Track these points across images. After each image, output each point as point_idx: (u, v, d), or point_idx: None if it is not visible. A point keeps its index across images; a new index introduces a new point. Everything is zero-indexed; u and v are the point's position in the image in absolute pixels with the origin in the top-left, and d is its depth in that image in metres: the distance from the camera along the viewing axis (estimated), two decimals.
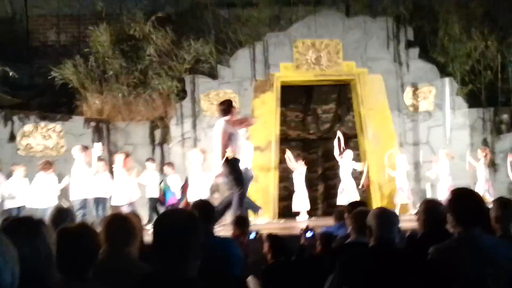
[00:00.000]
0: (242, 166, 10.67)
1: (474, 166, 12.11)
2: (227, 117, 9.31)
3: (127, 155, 11.30)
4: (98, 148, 10.63)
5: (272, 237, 5.75)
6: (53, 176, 10.92)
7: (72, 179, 10.58)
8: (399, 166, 12.21)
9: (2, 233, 1.86)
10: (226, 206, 9.35)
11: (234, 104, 9.96)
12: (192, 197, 10.79)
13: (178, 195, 11.73)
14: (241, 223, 6.46)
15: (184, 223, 2.64)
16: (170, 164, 12.11)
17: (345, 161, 12.07)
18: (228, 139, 9.14)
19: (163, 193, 11.86)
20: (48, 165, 10.85)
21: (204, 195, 10.93)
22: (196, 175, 11.21)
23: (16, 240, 1.93)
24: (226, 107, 9.55)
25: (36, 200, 10.66)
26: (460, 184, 10.56)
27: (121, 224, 3.55)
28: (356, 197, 11.46)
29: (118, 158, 11.16)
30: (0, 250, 1.72)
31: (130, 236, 3.52)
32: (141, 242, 4.46)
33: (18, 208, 10.85)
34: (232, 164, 9.17)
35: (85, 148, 10.73)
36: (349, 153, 12.13)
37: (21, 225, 2.47)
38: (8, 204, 10.89)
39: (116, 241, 3.43)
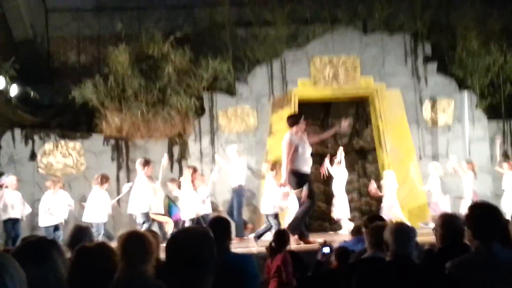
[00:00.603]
0: (236, 183, 10.76)
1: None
2: (293, 129, 9.35)
3: (195, 170, 11.36)
4: (165, 160, 11.10)
5: (288, 253, 5.75)
6: (104, 191, 11.03)
7: (134, 192, 10.67)
8: (431, 179, 12.18)
9: (12, 256, 1.87)
10: (302, 218, 9.35)
11: (302, 116, 10.03)
12: (185, 214, 10.93)
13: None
14: (281, 239, 6.43)
15: (198, 241, 2.64)
16: (174, 180, 11.91)
17: (340, 175, 12.08)
18: (295, 151, 9.18)
19: (168, 208, 11.75)
20: (104, 179, 10.95)
21: (195, 212, 10.93)
22: (186, 192, 11.16)
23: (26, 264, 1.95)
24: (294, 119, 9.69)
25: (90, 214, 10.76)
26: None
27: (138, 242, 3.55)
28: (347, 210, 11.68)
29: (186, 173, 11.28)
30: (9, 272, 1.73)
31: (146, 254, 3.51)
32: (157, 260, 4.47)
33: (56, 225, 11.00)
34: (300, 177, 9.22)
35: (147, 162, 10.81)
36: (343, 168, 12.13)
37: (32, 249, 2.47)
38: (45, 221, 10.99)
39: (132, 259, 3.42)
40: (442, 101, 13.36)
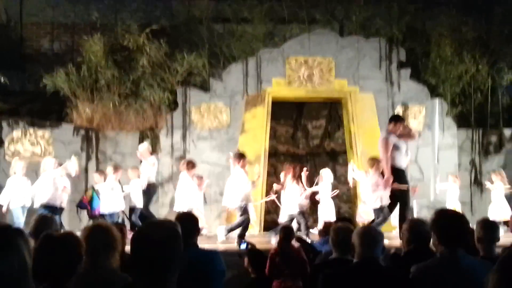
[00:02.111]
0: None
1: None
2: (390, 128, 9.66)
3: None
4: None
5: (251, 252, 5.75)
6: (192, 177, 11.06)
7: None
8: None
9: None
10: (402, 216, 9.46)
11: (402, 118, 10.40)
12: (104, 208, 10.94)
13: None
14: (287, 232, 6.45)
15: (164, 235, 2.62)
16: (101, 171, 11.62)
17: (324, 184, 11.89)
18: (393, 149, 9.43)
19: (90, 199, 11.22)
20: (190, 164, 10.95)
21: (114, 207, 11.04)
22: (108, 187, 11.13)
23: None
24: (393, 119, 10.00)
25: (181, 203, 10.76)
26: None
27: (101, 235, 3.52)
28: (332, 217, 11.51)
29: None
30: None
31: (109, 247, 3.48)
32: (123, 252, 4.44)
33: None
34: (400, 173, 9.51)
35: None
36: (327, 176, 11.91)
37: None
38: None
39: (94, 252, 3.39)
40: (414, 107, 13.49)
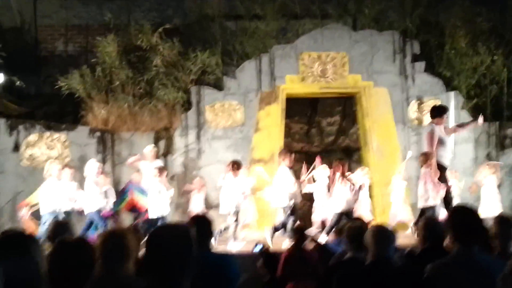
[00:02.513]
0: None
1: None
2: (436, 121, 9.41)
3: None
4: None
5: (265, 254, 5.76)
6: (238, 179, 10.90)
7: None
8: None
9: None
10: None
11: (447, 109, 10.12)
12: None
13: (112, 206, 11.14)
14: (300, 234, 6.46)
15: (177, 238, 2.64)
16: (106, 173, 11.57)
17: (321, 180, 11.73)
18: (439, 143, 9.22)
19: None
20: (236, 165, 10.79)
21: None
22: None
23: (4, 257, 1.94)
24: (438, 110, 9.71)
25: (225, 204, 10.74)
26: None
27: (115, 241, 3.54)
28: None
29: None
30: None
31: (125, 254, 3.50)
32: (138, 257, 4.45)
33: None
34: (442, 169, 9.34)
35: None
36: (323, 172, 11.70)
37: (9, 242, 2.46)
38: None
39: (110, 259, 3.42)
40: (429, 101, 13.36)
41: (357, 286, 3.76)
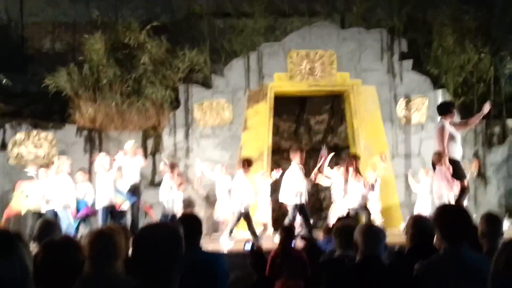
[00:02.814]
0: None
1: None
2: (446, 117, 9.39)
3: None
4: None
5: (253, 253, 5.76)
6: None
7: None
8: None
9: None
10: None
11: (454, 105, 10.21)
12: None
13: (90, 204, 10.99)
14: (288, 232, 6.45)
15: (164, 237, 2.63)
16: (83, 170, 11.36)
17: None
18: (450, 139, 9.20)
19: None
20: (246, 163, 10.78)
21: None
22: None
23: None
24: (447, 106, 9.68)
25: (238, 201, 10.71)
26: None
27: (104, 241, 3.53)
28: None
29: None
30: None
31: (113, 253, 3.49)
32: (127, 256, 4.43)
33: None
34: (456, 164, 9.33)
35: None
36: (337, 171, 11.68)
37: None
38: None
39: (98, 258, 3.40)
40: (417, 99, 13.41)
41: (347, 284, 3.76)
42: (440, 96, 13.08)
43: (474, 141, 13.57)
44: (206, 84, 13.27)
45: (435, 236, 3.89)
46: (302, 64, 13.21)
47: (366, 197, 10.68)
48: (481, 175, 13.30)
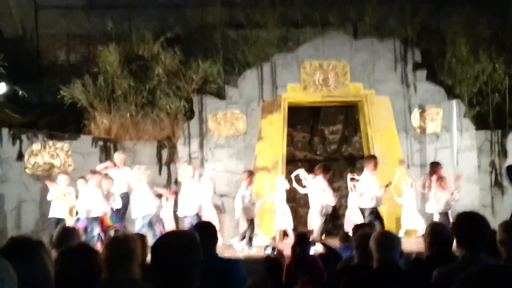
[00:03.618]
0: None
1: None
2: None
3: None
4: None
5: (267, 260, 5.75)
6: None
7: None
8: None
9: (2, 256, 1.86)
10: None
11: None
12: None
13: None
14: (301, 239, 6.47)
15: (183, 244, 2.65)
16: (85, 179, 11.16)
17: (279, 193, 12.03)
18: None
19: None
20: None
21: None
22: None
23: (14, 263, 1.94)
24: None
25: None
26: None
27: (118, 246, 3.55)
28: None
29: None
30: (1, 276, 1.73)
31: (128, 258, 3.51)
32: (144, 262, 4.45)
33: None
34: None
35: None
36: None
37: (19, 247, 2.46)
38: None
39: (113, 263, 3.42)
40: (431, 109, 13.37)
41: None
42: (455, 106, 13.01)
43: (490, 151, 13.50)
44: (220, 95, 13.30)
45: (454, 243, 3.87)
46: (315, 75, 13.21)
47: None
48: (498, 184, 13.24)
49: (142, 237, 5.27)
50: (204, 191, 11.34)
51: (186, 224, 10.86)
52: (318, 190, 11.42)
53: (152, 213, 11.01)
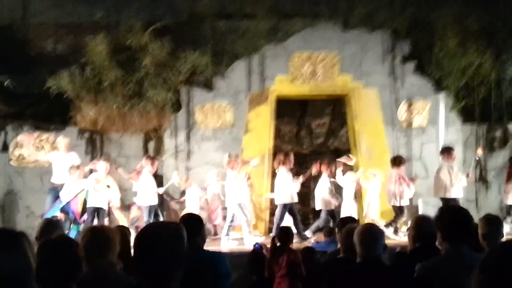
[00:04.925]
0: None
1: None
2: None
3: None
4: None
5: (251, 254, 5.77)
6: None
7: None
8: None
9: None
10: None
11: None
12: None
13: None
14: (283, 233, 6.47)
15: (168, 235, 2.64)
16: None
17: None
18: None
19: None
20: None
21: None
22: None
23: None
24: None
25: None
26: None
27: (94, 236, 3.56)
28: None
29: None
30: None
31: (105, 249, 3.52)
32: (127, 254, 4.45)
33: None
34: None
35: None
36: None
37: (1, 237, 2.46)
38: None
39: (91, 254, 3.44)
40: (418, 102, 13.40)
41: (347, 285, 3.76)
42: (442, 100, 13.06)
43: (475, 146, 13.55)
44: (208, 86, 13.26)
45: (437, 237, 3.89)
46: (303, 67, 13.21)
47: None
48: (482, 179, 13.30)
49: (122, 229, 5.27)
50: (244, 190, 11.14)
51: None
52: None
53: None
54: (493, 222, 4.54)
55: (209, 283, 3.99)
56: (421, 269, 3.70)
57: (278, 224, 10.47)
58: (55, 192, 10.83)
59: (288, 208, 10.92)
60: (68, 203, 10.54)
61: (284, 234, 6.43)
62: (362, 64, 13.31)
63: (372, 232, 3.93)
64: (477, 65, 13.67)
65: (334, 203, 11.30)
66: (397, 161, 11.20)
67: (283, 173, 10.95)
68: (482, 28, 14.14)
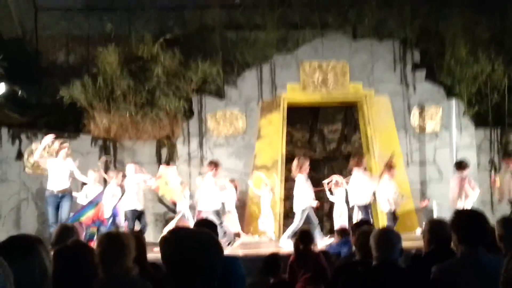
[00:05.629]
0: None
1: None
2: None
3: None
4: None
5: (266, 257, 5.75)
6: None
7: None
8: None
9: None
10: None
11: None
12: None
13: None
14: (303, 236, 6.42)
15: (203, 244, 2.46)
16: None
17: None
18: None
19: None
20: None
21: None
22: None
23: (12, 259, 1.94)
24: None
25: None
26: None
27: (110, 242, 3.53)
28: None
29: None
30: None
31: (120, 255, 3.47)
32: (143, 259, 4.43)
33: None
34: None
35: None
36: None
37: (18, 244, 2.46)
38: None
39: (106, 260, 3.41)
40: (430, 108, 13.43)
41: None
42: (454, 106, 13.04)
43: (490, 149, 13.53)
44: (219, 94, 13.34)
45: (452, 240, 3.87)
46: (314, 75, 13.25)
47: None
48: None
49: (137, 233, 5.26)
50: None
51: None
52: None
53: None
54: (510, 224, 4.50)
55: (224, 286, 3.98)
56: (437, 272, 3.67)
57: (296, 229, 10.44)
58: (55, 198, 10.80)
59: (307, 213, 10.82)
60: (114, 207, 10.71)
61: (305, 236, 6.38)
62: (373, 72, 13.35)
63: (389, 236, 3.91)
64: (489, 72, 13.68)
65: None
66: (462, 164, 11.21)
67: (301, 180, 10.83)
68: (492, 35, 14.17)
